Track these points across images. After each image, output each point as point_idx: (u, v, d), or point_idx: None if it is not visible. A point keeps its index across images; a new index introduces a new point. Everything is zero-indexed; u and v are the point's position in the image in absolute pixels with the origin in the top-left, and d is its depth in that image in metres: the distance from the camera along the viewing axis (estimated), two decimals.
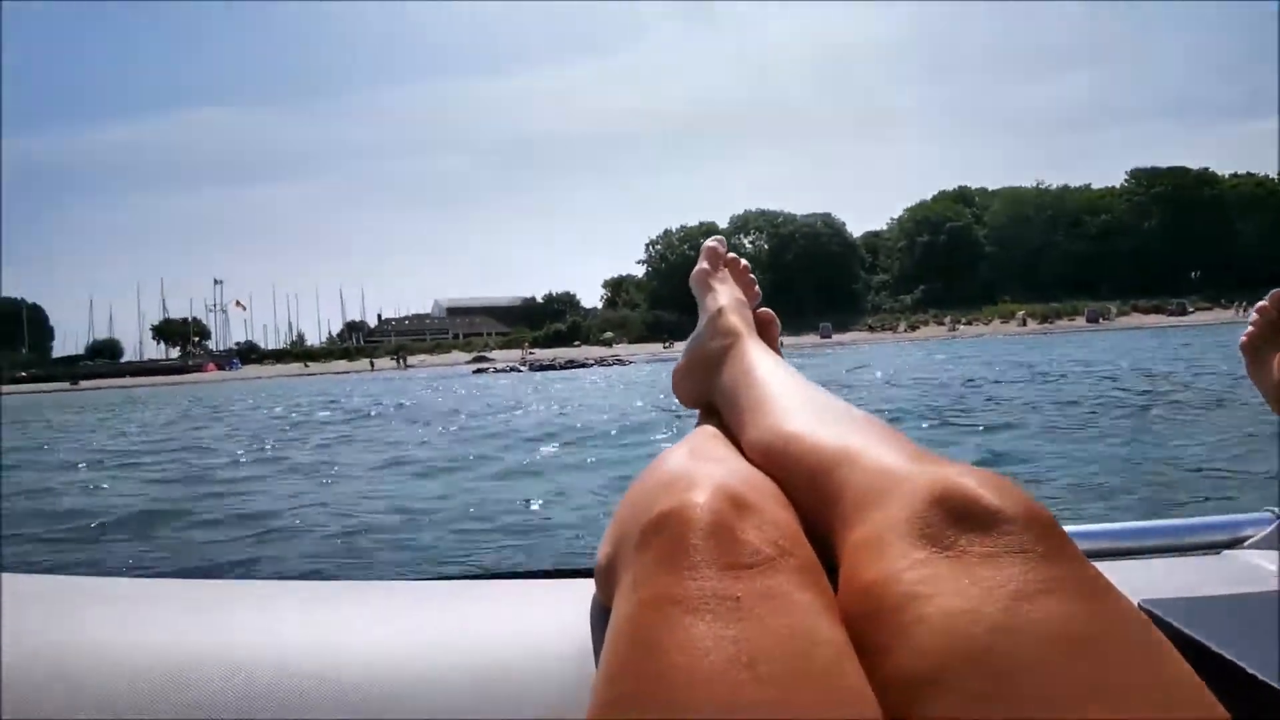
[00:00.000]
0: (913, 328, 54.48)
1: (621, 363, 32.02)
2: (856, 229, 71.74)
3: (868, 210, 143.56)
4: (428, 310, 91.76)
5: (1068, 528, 0.39)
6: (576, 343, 59.20)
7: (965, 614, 0.33)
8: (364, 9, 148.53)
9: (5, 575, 0.50)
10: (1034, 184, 65.18)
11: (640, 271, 72.18)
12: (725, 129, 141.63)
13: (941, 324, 52.80)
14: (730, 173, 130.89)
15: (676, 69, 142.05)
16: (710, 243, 0.83)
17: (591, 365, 30.91)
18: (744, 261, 0.83)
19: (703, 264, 0.81)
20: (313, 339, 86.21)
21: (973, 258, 61.86)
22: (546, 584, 0.55)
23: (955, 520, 0.36)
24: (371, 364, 53.25)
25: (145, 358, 77.30)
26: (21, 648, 0.42)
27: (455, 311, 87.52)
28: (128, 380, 54.99)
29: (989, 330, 47.79)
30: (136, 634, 0.44)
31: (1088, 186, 64.26)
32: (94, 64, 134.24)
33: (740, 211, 71.76)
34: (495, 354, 51.26)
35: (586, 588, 0.50)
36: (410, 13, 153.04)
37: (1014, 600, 0.33)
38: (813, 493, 0.45)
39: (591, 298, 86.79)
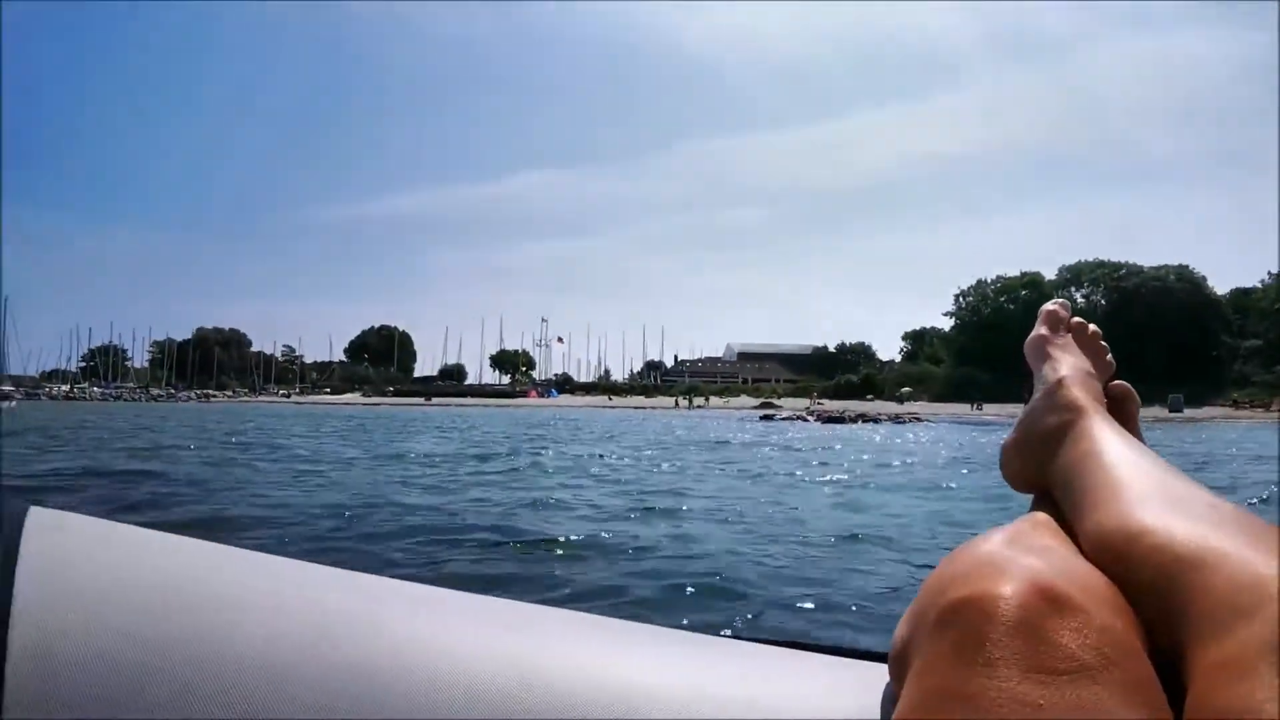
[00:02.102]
0: None
1: (919, 420, 29.98)
2: (1221, 285, 60.70)
3: (1236, 264, 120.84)
4: (720, 354, 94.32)
5: None
6: (869, 396, 56.93)
7: None
8: (671, 71, 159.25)
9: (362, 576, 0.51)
10: None
11: (947, 324, 67.53)
12: (1050, 170, 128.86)
13: None
14: (1058, 218, 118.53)
15: (991, 108, 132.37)
16: (1050, 305, 0.73)
17: (883, 421, 29.33)
18: (1093, 327, 0.72)
19: (1041, 329, 0.71)
20: (616, 375, 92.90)
21: None
22: (844, 662, 0.51)
23: None
24: (676, 403, 55.76)
25: (483, 381, 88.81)
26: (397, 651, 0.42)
27: (746, 356, 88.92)
28: (468, 400, 63.50)
29: None
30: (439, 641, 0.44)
31: None
32: (450, 135, 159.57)
33: (1072, 261, 64.39)
34: (782, 401, 50.93)
35: (881, 672, 0.48)
36: (716, 69, 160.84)
37: None
38: (1160, 598, 0.38)
39: (888, 350, 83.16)
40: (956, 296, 65.06)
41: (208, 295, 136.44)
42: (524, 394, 70.74)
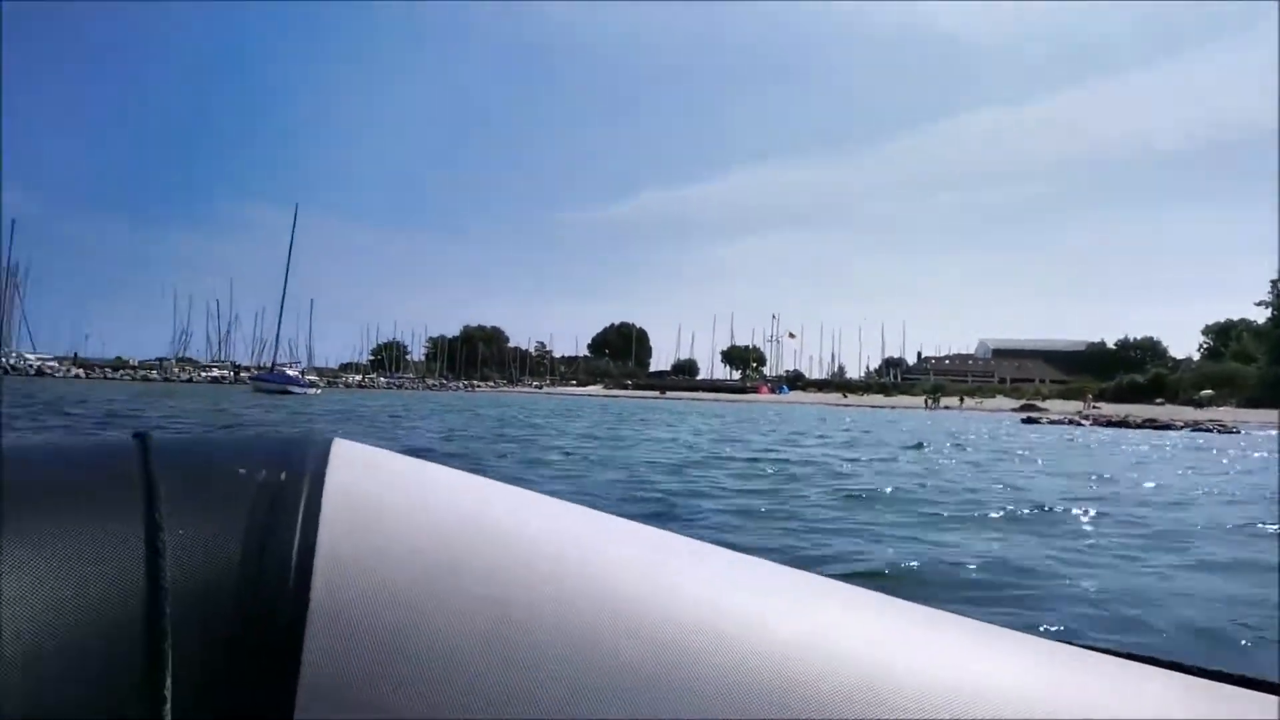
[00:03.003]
0: None
1: (1225, 430, 25.05)
2: None
3: None
4: (970, 350, 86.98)
5: None
6: (1159, 400, 49.31)
7: None
8: (914, 45, 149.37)
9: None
10: None
11: (1261, 316, 56.68)
12: None
13: None
14: None
15: None
16: None
17: (1181, 429, 24.87)
18: None
19: None
20: (852, 372, 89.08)
21: None
22: (1230, 690, 0.46)
23: None
24: (925, 403, 52.36)
25: (714, 376, 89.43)
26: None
27: (1002, 353, 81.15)
28: (700, 394, 64.08)
29: None
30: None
31: None
32: (684, 139, 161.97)
33: None
34: (1048, 404, 45.52)
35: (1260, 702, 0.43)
36: (968, 35, 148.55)
37: None
38: None
39: (1183, 347, 71.83)
40: (1274, 283, 54.49)
41: (474, 295, 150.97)
42: (755, 389, 70.02)
